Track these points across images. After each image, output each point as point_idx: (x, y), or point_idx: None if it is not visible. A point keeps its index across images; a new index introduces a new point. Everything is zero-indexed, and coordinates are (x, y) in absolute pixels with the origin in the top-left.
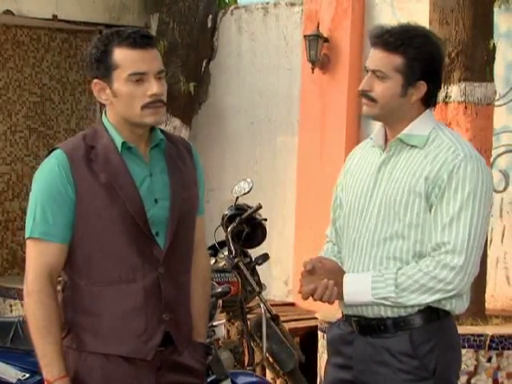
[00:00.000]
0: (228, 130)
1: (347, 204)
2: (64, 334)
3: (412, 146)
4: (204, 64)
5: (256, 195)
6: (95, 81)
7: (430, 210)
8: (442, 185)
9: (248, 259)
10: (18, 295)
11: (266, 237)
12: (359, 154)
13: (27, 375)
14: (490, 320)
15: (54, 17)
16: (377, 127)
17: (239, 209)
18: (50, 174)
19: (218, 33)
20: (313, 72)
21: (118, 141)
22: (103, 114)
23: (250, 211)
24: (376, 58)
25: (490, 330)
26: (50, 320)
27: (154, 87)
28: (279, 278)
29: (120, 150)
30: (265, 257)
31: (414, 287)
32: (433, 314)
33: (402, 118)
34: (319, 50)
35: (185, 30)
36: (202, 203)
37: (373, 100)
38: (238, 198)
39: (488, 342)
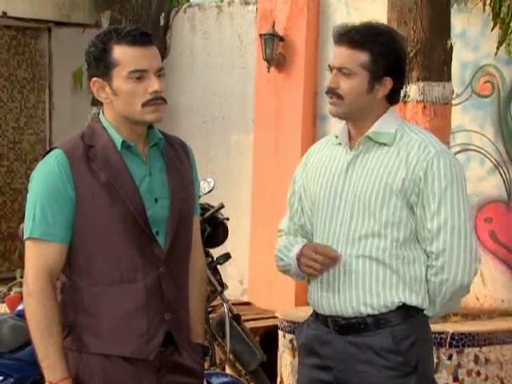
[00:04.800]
0: (181, 128)
1: (315, 203)
2: (64, 336)
3: (380, 143)
4: None
5: (210, 194)
6: (94, 79)
7: (413, 209)
8: (420, 183)
9: (210, 259)
10: None
11: (227, 236)
12: (321, 150)
13: (0, 378)
14: (449, 318)
15: (4, 14)
16: (340, 125)
17: (201, 208)
18: (49, 173)
19: (171, 31)
20: (268, 71)
21: (118, 139)
22: (100, 113)
23: (212, 211)
24: (341, 55)
25: (449, 327)
26: (51, 321)
27: (155, 84)
28: (234, 278)
29: (119, 148)
30: (226, 256)
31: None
32: (411, 310)
33: (368, 115)
34: (275, 49)
35: None
36: (197, 203)
37: (340, 97)
38: (199, 197)
39: (449, 339)
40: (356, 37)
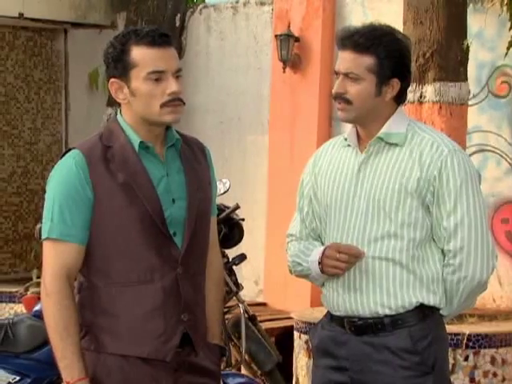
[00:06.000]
0: (197, 129)
1: (327, 206)
2: (81, 336)
3: (392, 144)
4: None
5: (226, 195)
6: (112, 80)
7: (428, 209)
8: (435, 182)
9: (225, 259)
10: None
11: (243, 237)
12: (330, 153)
13: (17, 378)
14: (466, 319)
15: (21, 15)
16: (349, 127)
17: (217, 209)
18: (67, 173)
19: (187, 32)
20: (284, 71)
21: (135, 140)
22: (118, 114)
23: (227, 211)
24: (347, 60)
25: (465, 328)
26: (69, 321)
27: (173, 85)
28: (249, 278)
29: (137, 149)
30: (242, 257)
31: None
32: (427, 310)
33: (378, 117)
34: (290, 50)
35: None
36: (214, 204)
37: (348, 102)
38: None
39: (465, 340)
40: (360, 40)
